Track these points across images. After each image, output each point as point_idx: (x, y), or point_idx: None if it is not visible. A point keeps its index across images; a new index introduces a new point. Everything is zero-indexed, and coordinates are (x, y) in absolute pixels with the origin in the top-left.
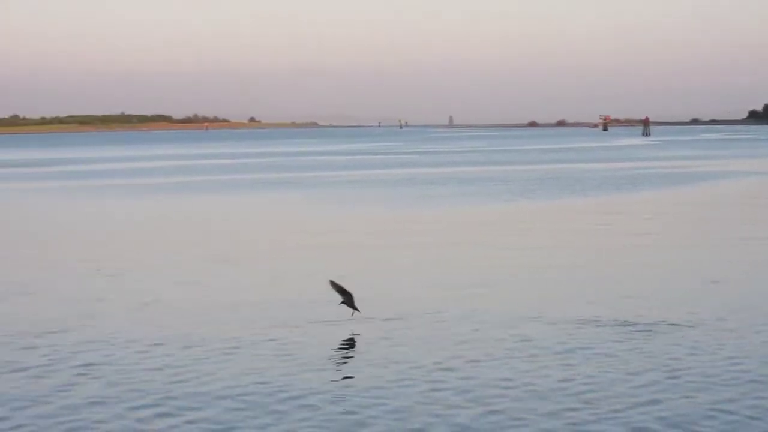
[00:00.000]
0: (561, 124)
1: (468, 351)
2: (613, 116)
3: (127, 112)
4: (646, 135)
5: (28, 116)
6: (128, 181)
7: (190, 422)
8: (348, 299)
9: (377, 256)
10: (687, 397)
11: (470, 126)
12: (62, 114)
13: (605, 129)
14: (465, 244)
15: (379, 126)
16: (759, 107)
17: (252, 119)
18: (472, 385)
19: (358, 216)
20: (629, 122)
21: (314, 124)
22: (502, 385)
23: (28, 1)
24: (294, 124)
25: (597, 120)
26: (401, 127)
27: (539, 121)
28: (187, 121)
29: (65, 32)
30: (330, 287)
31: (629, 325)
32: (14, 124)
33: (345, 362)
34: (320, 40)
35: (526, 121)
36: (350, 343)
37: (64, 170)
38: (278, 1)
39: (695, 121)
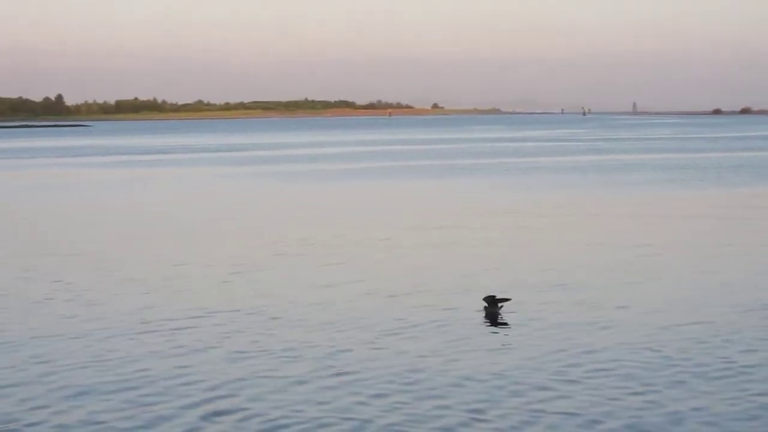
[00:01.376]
0: (745, 111)
1: None
2: None
3: (310, 98)
4: None
5: (212, 102)
6: (317, 166)
7: None
8: (491, 306)
9: (586, 242)
10: None
11: (654, 113)
12: (246, 100)
13: None
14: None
15: (562, 113)
16: None
17: (435, 105)
18: None
19: (555, 202)
20: None
21: (497, 111)
22: None
23: None
24: (476, 111)
25: None
26: (584, 114)
27: (723, 108)
28: (371, 107)
29: (248, 20)
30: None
31: None
32: (198, 109)
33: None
34: (502, 27)
35: (710, 109)
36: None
37: (253, 155)
38: None
39: None
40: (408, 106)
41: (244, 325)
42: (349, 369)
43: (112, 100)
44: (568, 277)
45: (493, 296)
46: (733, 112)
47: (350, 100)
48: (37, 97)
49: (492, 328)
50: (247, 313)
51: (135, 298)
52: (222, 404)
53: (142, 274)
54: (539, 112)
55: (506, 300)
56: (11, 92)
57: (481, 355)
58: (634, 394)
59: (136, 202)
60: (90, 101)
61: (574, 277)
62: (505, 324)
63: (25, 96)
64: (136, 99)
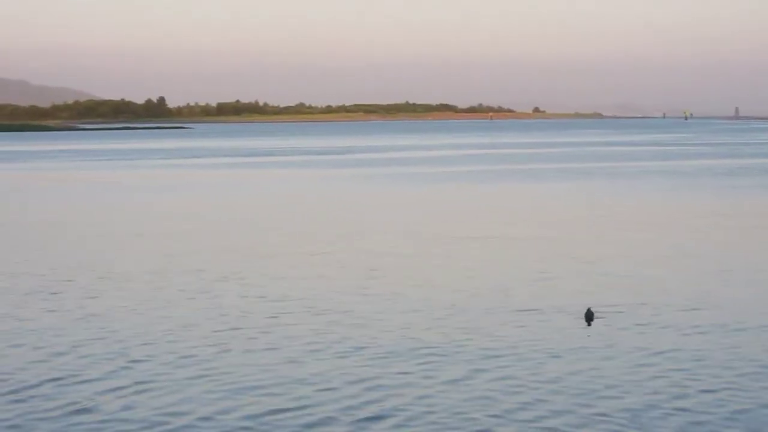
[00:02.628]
0: None
1: None
2: None
3: (411, 102)
4: None
5: (313, 104)
6: (422, 169)
7: None
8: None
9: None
10: None
11: (757, 118)
12: (348, 103)
13: None
14: None
15: (664, 117)
16: None
17: (536, 109)
18: None
19: (671, 205)
20: None
21: (598, 115)
22: None
23: None
24: (577, 115)
25: None
26: (686, 119)
27: None
28: (472, 110)
29: (350, 23)
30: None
31: None
32: (300, 112)
33: None
34: (604, 30)
35: None
36: None
37: (355, 158)
38: None
39: None
40: (509, 110)
41: (390, 323)
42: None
43: (213, 103)
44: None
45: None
46: None
47: (451, 103)
48: (139, 99)
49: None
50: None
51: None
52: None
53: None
54: (640, 116)
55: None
56: (114, 94)
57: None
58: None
59: (241, 202)
60: (192, 103)
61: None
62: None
63: (127, 98)
64: (237, 101)
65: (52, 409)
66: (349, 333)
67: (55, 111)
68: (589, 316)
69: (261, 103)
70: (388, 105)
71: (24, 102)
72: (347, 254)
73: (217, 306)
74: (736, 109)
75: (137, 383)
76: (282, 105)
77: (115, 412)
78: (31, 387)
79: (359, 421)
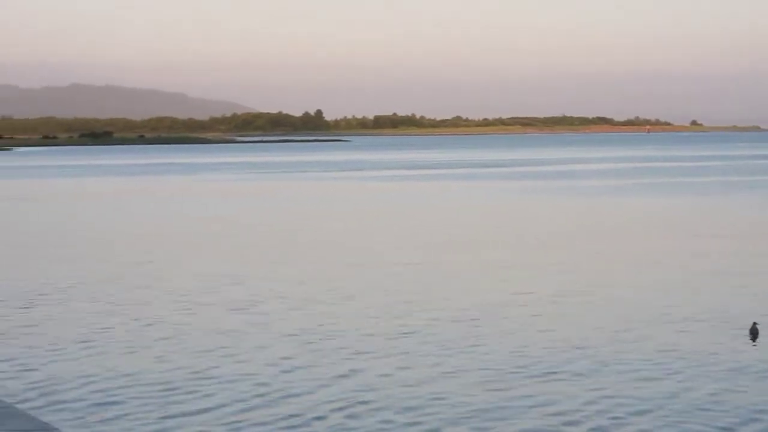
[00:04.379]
0: None
1: None
2: None
3: (567, 114)
4: None
5: (470, 117)
6: (587, 182)
7: None
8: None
9: None
10: None
11: None
12: (505, 116)
13: None
14: None
15: None
16: None
17: (694, 122)
18: None
19: None
20: None
21: (757, 128)
22: None
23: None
24: (735, 128)
25: None
26: None
27: None
28: (628, 123)
29: (508, 37)
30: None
31: None
32: (456, 125)
33: None
34: (759, 42)
35: None
36: None
37: (518, 171)
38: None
39: None
40: (666, 123)
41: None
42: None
43: (370, 115)
44: None
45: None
46: None
47: (608, 116)
48: (296, 111)
49: None
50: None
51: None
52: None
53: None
54: None
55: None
56: (271, 107)
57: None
58: None
59: (405, 213)
60: (349, 116)
61: None
62: None
63: (285, 111)
64: (394, 114)
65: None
66: (548, 344)
67: (214, 124)
68: (755, 332)
69: (418, 116)
70: (545, 118)
71: (182, 115)
72: (530, 267)
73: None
74: None
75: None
76: (438, 118)
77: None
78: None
79: None
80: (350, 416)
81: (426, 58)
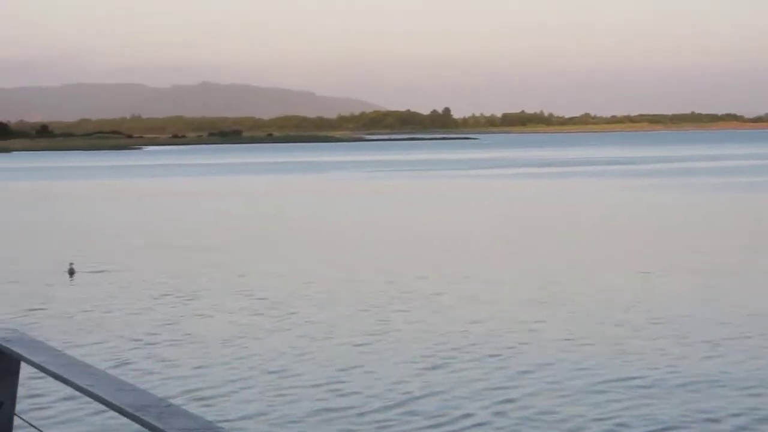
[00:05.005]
0: None
1: None
2: None
3: (696, 111)
4: None
5: (598, 115)
6: (726, 179)
7: None
8: None
9: None
10: None
11: None
12: (633, 113)
13: None
14: None
15: None
16: None
17: None
18: None
19: None
20: None
21: None
22: None
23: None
24: None
25: None
26: None
27: None
28: (758, 120)
29: (634, 34)
30: None
31: None
32: (585, 122)
33: None
34: None
35: None
36: None
37: (648, 168)
38: None
39: None
40: None
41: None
42: None
43: (498, 113)
44: None
45: None
46: None
47: (738, 113)
48: (424, 110)
49: None
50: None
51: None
52: None
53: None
54: None
55: None
56: (400, 105)
57: None
58: None
59: (545, 212)
60: (477, 114)
61: None
62: None
63: (413, 109)
64: (522, 112)
65: None
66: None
67: (342, 122)
68: None
69: (546, 114)
70: (673, 115)
71: (311, 113)
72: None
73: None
74: None
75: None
76: (567, 116)
77: None
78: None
79: None
80: (498, 413)
81: (554, 56)
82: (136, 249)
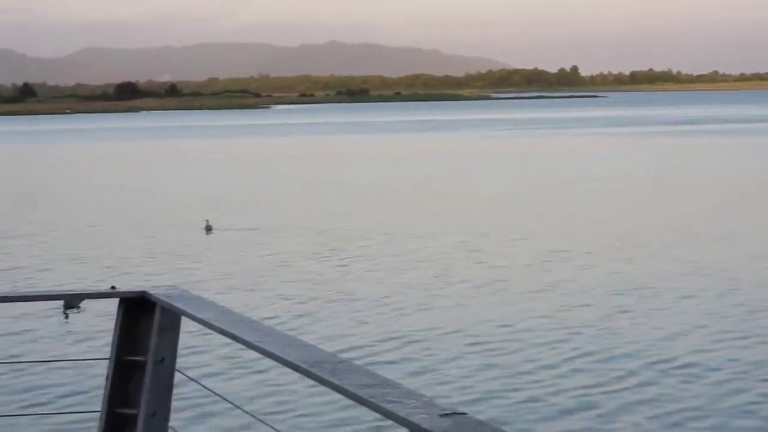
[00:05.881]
0: None
1: None
2: None
3: None
4: None
5: (727, 72)
6: None
7: None
8: None
9: None
10: None
11: None
12: (762, 71)
13: None
14: None
15: None
16: None
17: None
18: None
19: None
20: None
21: None
22: None
23: None
24: None
25: None
26: None
27: None
28: None
29: None
30: None
31: None
32: (713, 80)
33: None
34: None
35: None
36: None
37: None
38: None
39: None
40: None
41: None
42: None
43: (626, 71)
44: None
45: None
46: None
47: None
48: (552, 68)
49: None
50: None
51: None
52: None
53: None
54: None
55: None
56: (527, 63)
57: None
58: None
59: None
60: (605, 72)
61: None
62: None
63: (540, 67)
64: (650, 70)
65: None
66: None
67: (469, 80)
68: None
69: (674, 72)
70: None
71: (438, 72)
72: None
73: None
74: None
75: None
76: (695, 73)
77: None
78: None
79: None
80: None
81: (682, 13)
82: (271, 208)
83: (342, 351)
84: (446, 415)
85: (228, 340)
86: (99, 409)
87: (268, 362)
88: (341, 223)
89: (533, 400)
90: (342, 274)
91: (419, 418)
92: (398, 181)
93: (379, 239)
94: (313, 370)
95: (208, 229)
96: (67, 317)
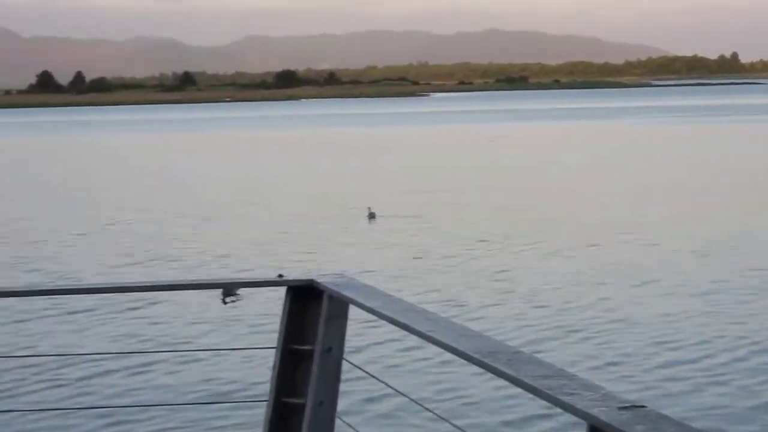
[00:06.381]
0: None
1: None
2: None
3: None
4: None
5: None
6: None
7: None
8: None
9: None
10: None
11: None
12: None
13: None
14: None
15: None
16: None
17: None
18: None
19: None
20: None
21: None
22: None
23: None
24: None
25: None
26: None
27: None
28: None
29: None
30: None
31: None
32: None
33: None
34: None
35: None
36: None
37: None
38: None
39: None
40: None
41: None
42: None
43: None
44: None
45: None
46: None
47: None
48: (712, 54)
49: None
50: None
51: None
52: None
53: None
54: None
55: None
56: (687, 50)
57: None
58: None
59: None
60: (765, 59)
61: None
62: None
63: (700, 54)
64: None
65: None
66: None
67: (628, 68)
68: None
69: None
70: None
71: (597, 59)
72: None
73: None
74: None
75: None
76: None
77: None
78: None
79: None
80: None
81: None
82: (432, 195)
83: (515, 342)
84: (625, 408)
85: (397, 329)
86: (266, 398)
87: (438, 352)
88: (508, 211)
89: (719, 396)
90: (514, 263)
91: (598, 410)
92: (565, 169)
93: (552, 228)
94: (487, 360)
95: (372, 216)
96: (227, 304)
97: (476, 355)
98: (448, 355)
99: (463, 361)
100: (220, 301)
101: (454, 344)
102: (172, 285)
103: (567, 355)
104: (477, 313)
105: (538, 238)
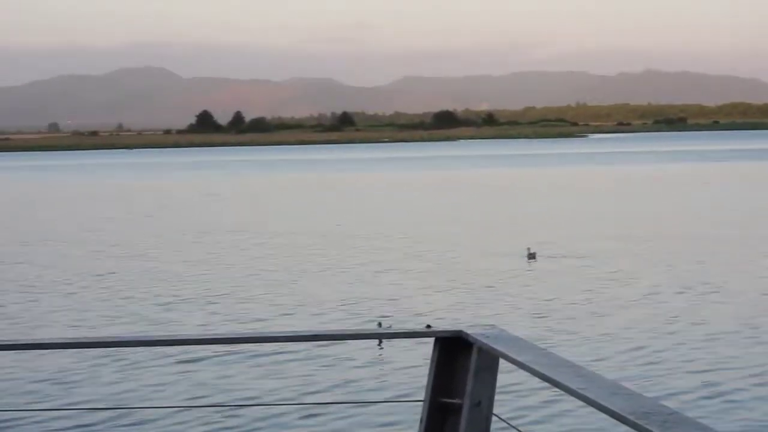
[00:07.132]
0: None
1: None
2: None
3: None
4: None
5: None
6: None
7: None
8: None
9: None
10: None
11: None
12: None
13: None
14: None
15: None
16: None
17: None
18: None
19: None
20: None
21: None
22: None
23: None
24: None
25: None
26: None
27: None
28: None
29: None
30: None
31: None
32: None
33: None
34: None
35: None
36: None
37: None
38: None
39: None
40: None
41: None
42: None
43: None
44: None
45: None
46: None
47: None
48: None
49: None
50: None
51: None
52: None
53: None
54: None
55: None
56: None
57: None
58: None
59: None
60: None
61: None
62: None
63: None
64: None
65: None
66: None
67: None
68: None
69: None
70: None
71: (757, 100)
72: None
73: None
74: None
75: None
76: None
77: None
78: None
79: None
80: None
81: None
82: (598, 237)
83: (668, 399)
84: None
85: (548, 385)
86: None
87: (591, 410)
88: (679, 255)
89: None
90: (687, 308)
91: None
92: (730, 210)
93: (729, 273)
94: (640, 422)
95: (531, 256)
96: (377, 355)
97: (629, 416)
98: (602, 414)
99: (616, 421)
100: (363, 352)
101: (606, 404)
102: (318, 335)
103: (726, 415)
104: (630, 364)
105: (715, 285)
